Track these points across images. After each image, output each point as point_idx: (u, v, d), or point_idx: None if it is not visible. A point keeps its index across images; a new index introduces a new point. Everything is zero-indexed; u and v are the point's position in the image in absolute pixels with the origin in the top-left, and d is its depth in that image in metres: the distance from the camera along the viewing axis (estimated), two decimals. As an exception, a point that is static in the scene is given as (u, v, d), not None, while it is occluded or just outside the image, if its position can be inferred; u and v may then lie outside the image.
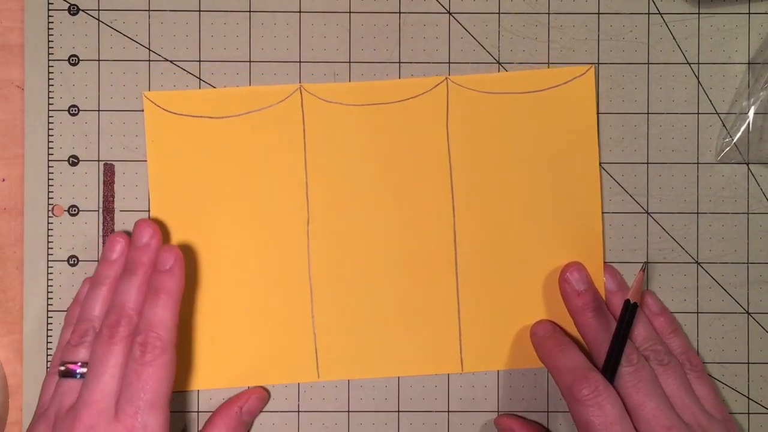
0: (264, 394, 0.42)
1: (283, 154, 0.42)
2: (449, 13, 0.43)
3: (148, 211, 0.42)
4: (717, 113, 0.43)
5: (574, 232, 0.42)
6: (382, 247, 0.42)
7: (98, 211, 0.42)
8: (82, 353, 0.37)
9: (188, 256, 0.42)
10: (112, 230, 0.42)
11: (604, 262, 0.42)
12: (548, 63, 0.43)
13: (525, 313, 0.42)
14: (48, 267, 0.42)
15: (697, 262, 0.43)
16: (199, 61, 0.42)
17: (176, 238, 0.42)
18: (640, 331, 0.40)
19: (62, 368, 0.37)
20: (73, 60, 0.42)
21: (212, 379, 0.42)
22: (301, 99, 0.42)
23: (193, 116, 0.42)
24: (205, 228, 0.42)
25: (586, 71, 0.42)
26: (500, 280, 0.42)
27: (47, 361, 0.42)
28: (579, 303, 0.41)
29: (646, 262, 0.42)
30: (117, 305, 0.37)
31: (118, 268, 0.39)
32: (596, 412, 0.36)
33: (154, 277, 0.38)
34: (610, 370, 0.38)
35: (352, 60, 0.42)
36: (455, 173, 0.42)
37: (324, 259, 0.42)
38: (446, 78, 0.42)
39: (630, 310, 0.39)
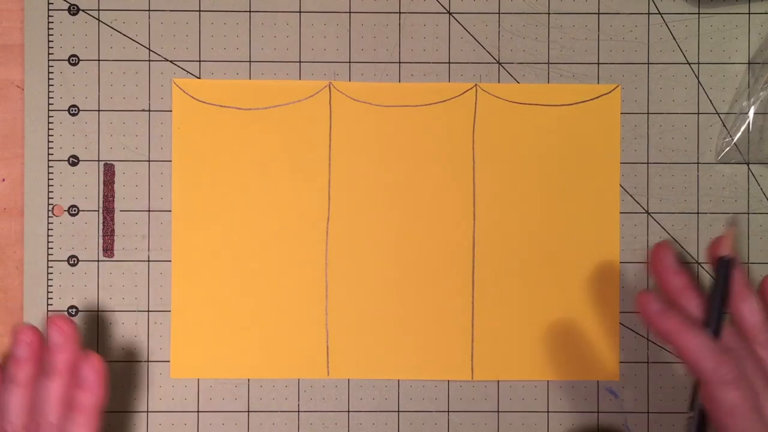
0: None
1: (308, 150, 0.42)
2: (449, 13, 0.43)
3: (148, 210, 0.42)
4: (717, 113, 0.43)
5: (592, 247, 0.42)
6: (400, 249, 0.42)
7: (98, 211, 0.42)
8: None
9: (207, 245, 0.42)
10: (112, 230, 0.42)
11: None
12: (548, 63, 0.43)
13: (540, 324, 0.42)
14: (48, 267, 0.42)
15: (697, 262, 0.43)
16: (199, 61, 0.42)
17: (196, 226, 0.42)
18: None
19: None
20: (73, 60, 0.42)
21: (222, 369, 0.42)
22: (330, 96, 0.42)
23: (221, 106, 0.42)
24: (226, 219, 0.42)
25: (612, 90, 0.42)
26: (516, 289, 0.42)
27: (47, 361, 0.42)
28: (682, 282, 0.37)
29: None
30: (37, 415, 0.35)
31: (30, 366, 0.36)
32: (743, 393, 0.34)
33: (72, 391, 0.35)
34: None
35: (352, 60, 0.42)
36: (478, 180, 0.42)
37: (341, 258, 0.42)
38: (476, 85, 0.42)
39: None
